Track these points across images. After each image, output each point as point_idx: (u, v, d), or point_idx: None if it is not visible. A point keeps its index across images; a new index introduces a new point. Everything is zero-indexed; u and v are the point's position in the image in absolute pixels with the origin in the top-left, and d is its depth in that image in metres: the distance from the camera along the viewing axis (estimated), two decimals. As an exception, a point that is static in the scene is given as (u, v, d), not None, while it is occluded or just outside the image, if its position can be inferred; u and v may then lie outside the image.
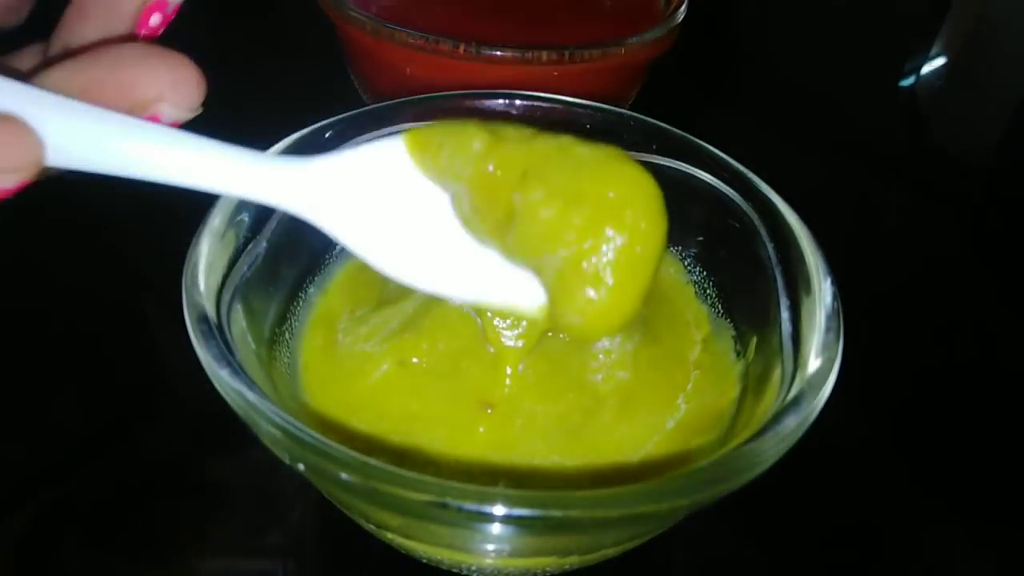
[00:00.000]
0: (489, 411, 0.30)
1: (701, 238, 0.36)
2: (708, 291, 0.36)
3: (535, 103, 0.36)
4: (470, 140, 0.26)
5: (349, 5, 0.45)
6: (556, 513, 0.20)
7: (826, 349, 0.26)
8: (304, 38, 0.60)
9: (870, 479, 0.37)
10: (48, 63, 0.23)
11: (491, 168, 0.25)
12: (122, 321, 0.42)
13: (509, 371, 0.30)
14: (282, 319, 0.32)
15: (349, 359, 0.32)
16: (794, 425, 0.24)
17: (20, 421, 0.37)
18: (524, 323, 0.30)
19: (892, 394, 0.41)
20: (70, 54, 0.24)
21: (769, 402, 0.27)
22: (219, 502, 0.35)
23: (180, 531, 0.33)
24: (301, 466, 0.21)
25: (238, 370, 0.23)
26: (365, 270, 0.35)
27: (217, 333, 0.24)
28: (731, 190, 0.33)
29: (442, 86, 0.37)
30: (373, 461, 0.21)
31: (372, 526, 0.26)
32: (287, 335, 0.32)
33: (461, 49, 0.41)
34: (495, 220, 0.26)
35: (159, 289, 0.43)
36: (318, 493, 0.32)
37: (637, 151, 0.36)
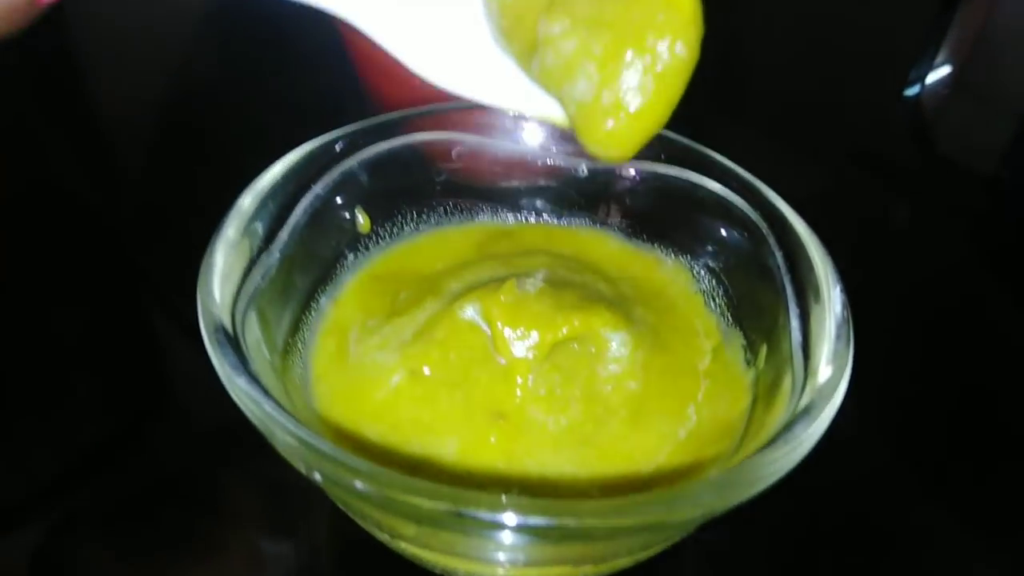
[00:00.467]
0: (501, 421, 0.30)
1: (710, 247, 0.36)
2: (717, 300, 0.36)
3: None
4: None
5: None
6: (570, 521, 0.21)
7: (837, 357, 0.26)
8: (314, 47, 0.61)
9: (882, 488, 0.37)
10: None
11: None
12: (132, 329, 0.43)
13: (520, 381, 0.30)
14: (295, 329, 0.32)
15: (361, 369, 0.32)
16: (806, 434, 0.24)
17: (33, 430, 0.37)
18: (535, 334, 0.31)
19: (903, 402, 0.41)
20: None
21: (780, 411, 0.27)
22: (232, 512, 0.35)
23: (193, 541, 0.33)
24: (317, 476, 0.21)
25: (254, 380, 0.23)
26: (376, 280, 0.36)
27: (233, 343, 0.24)
28: (740, 199, 0.34)
29: (453, 96, 0.37)
30: (389, 471, 0.21)
31: (386, 536, 0.27)
32: (300, 345, 0.32)
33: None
34: (520, 46, 0.26)
35: (167, 295, 0.44)
36: (331, 504, 0.32)
37: (646, 160, 0.36)
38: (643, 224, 0.38)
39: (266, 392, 0.23)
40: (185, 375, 0.40)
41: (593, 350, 0.31)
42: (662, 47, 0.24)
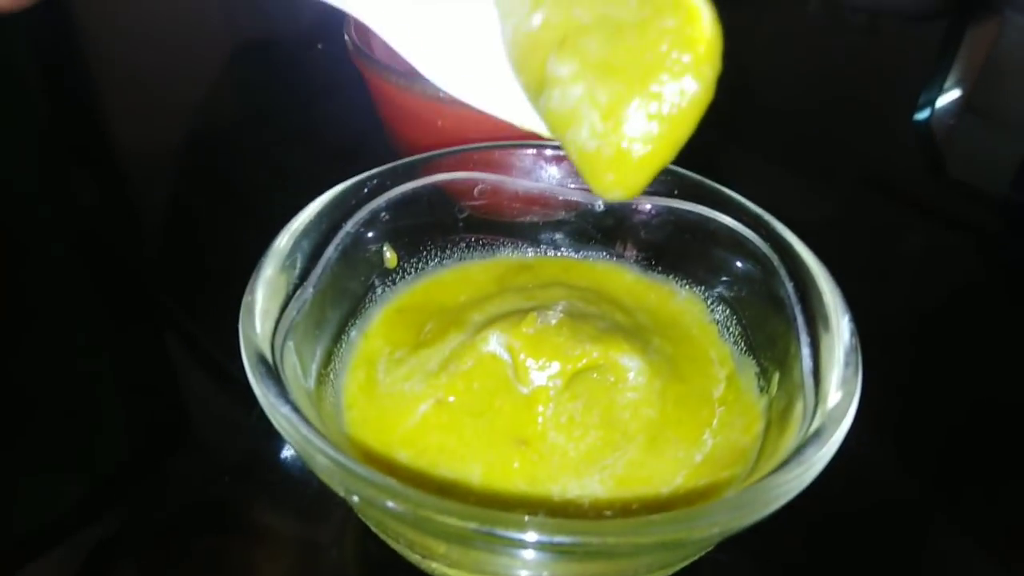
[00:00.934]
0: (523, 447, 0.31)
1: (723, 279, 0.37)
2: (731, 329, 0.37)
3: (561, 150, 0.38)
4: None
5: (379, 60, 0.47)
6: (594, 540, 0.22)
7: (845, 383, 0.27)
8: (334, 88, 0.63)
9: (893, 509, 0.38)
10: None
11: (536, 23, 0.24)
12: (155, 364, 0.44)
13: (541, 409, 0.32)
14: (328, 360, 0.34)
15: (389, 398, 0.33)
16: (817, 456, 0.25)
17: (60, 460, 0.38)
18: (556, 364, 0.32)
19: (914, 425, 0.41)
20: None
21: (792, 435, 0.28)
22: (260, 540, 0.36)
23: (225, 568, 0.34)
24: (355, 498, 0.23)
25: (296, 408, 0.25)
26: (403, 313, 0.38)
27: (274, 374, 0.26)
28: (751, 232, 0.35)
29: (473, 138, 0.39)
30: (424, 493, 0.22)
31: (417, 556, 0.28)
32: (331, 375, 0.34)
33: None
34: (529, 79, 0.26)
35: (191, 332, 0.46)
36: (359, 528, 0.33)
37: (660, 196, 0.38)
38: (658, 257, 0.40)
39: (307, 420, 0.24)
40: (209, 407, 0.42)
41: (612, 379, 0.33)
42: (673, 89, 0.23)
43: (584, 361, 0.32)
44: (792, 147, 0.65)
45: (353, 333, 0.36)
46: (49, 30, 0.72)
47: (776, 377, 0.33)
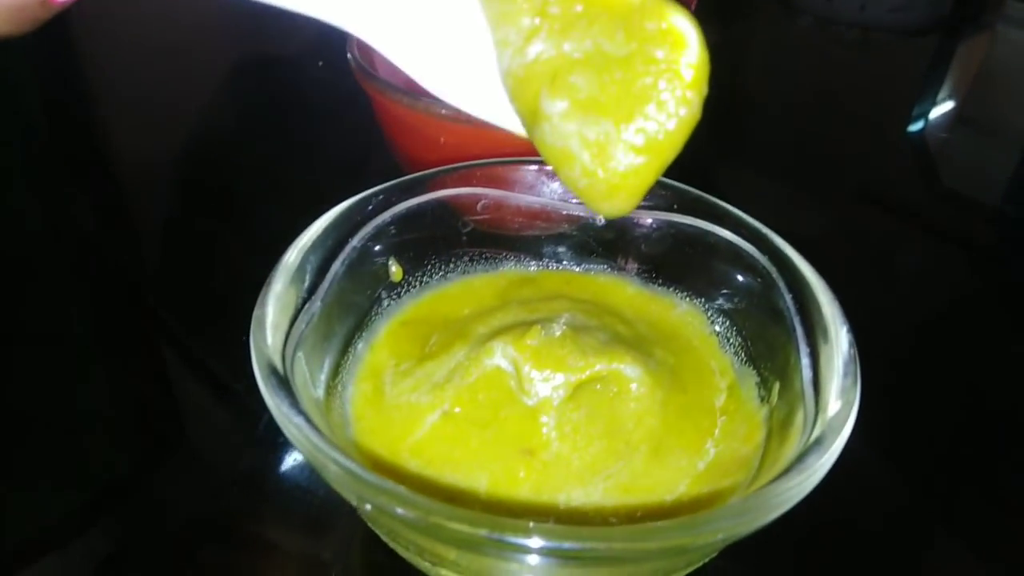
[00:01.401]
0: (528, 457, 0.32)
1: (723, 291, 0.38)
2: (731, 340, 0.38)
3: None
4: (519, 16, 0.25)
5: (381, 77, 0.47)
6: (600, 545, 0.22)
7: (845, 393, 0.28)
8: (336, 103, 0.63)
9: (892, 516, 0.38)
10: None
11: (529, 56, 0.25)
12: (155, 378, 0.44)
13: (545, 420, 0.32)
14: (336, 372, 0.34)
15: (396, 409, 0.34)
16: (817, 464, 0.25)
17: (58, 473, 0.38)
18: (560, 376, 0.33)
19: (912, 433, 0.42)
20: None
21: (793, 443, 0.29)
22: (266, 552, 0.36)
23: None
24: (368, 506, 0.23)
25: (308, 419, 0.25)
26: (408, 326, 0.38)
27: (285, 385, 0.27)
28: (750, 246, 0.36)
29: (476, 154, 0.40)
30: (436, 501, 0.23)
31: (427, 563, 0.28)
32: (339, 387, 0.34)
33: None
34: (522, 108, 0.26)
35: (190, 347, 0.46)
36: (364, 539, 0.34)
37: (661, 210, 0.38)
38: (659, 270, 0.41)
39: (319, 430, 0.25)
40: (211, 420, 0.42)
41: (615, 390, 0.33)
42: (662, 119, 0.24)
43: (587, 372, 0.33)
44: (788, 161, 0.66)
45: (360, 345, 0.36)
46: (49, 47, 0.73)
47: (776, 387, 0.33)
